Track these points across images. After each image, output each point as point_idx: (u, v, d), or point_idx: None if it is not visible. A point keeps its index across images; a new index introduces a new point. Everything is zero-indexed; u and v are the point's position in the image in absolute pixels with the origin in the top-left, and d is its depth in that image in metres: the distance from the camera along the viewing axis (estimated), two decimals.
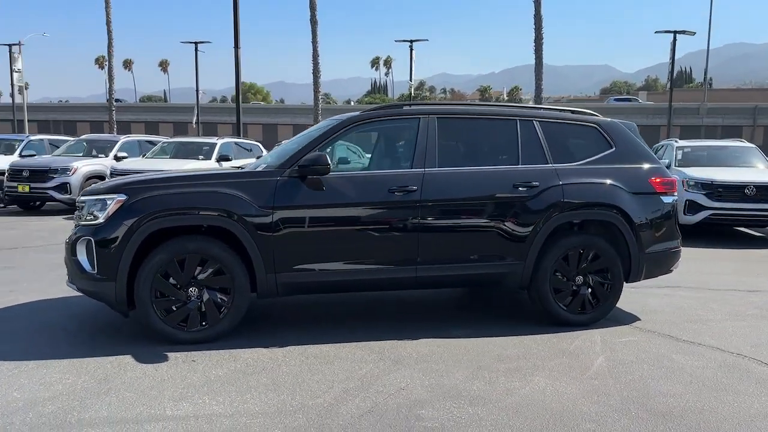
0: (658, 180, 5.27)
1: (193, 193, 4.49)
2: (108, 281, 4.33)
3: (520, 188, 4.91)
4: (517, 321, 5.19)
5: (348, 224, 4.69)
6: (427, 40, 41.19)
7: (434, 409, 3.43)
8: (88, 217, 4.49)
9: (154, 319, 4.37)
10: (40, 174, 13.02)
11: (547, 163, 5.09)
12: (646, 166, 5.32)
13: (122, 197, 4.41)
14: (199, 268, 4.43)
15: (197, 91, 42.61)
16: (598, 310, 5.13)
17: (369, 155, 6.74)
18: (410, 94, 43.12)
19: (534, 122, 5.19)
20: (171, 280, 4.41)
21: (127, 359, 4.09)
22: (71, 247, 4.49)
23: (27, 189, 12.93)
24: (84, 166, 13.40)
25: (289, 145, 5.48)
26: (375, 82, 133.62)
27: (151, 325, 4.39)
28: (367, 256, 4.72)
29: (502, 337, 4.75)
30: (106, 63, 38.31)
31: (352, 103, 74.13)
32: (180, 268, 4.39)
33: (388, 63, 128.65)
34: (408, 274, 4.78)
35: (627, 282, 5.28)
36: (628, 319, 5.31)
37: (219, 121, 50.50)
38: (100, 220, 4.39)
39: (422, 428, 3.21)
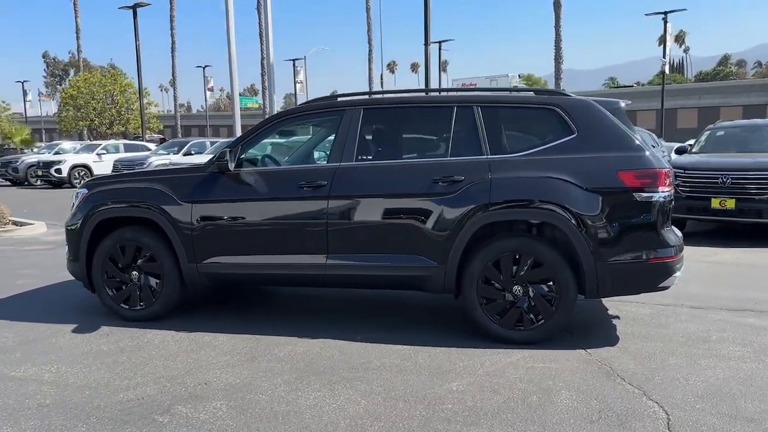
0: (630, 173, 4.17)
1: (129, 189, 5.07)
2: (75, 261, 5.16)
3: (440, 183, 4.37)
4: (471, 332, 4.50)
5: (259, 219, 4.76)
6: None
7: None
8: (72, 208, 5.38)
9: (104, 295, 5.06)
10: (129, 167, 19.09)
11: (482, 155, 4.42)
12: (614, 155, 4.25)
13: (85, 191, 5.20)
14: (141, 255, 4.98)
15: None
16: (538, 329, 4.29)
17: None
18: (662, 72, 38.37)
19: (475, 108, 4.53)
20: (119, 264, 5.04)
21: (59, 327, 4.84)
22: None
23: None
24: (156, 160, 19.61)
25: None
26: (672, 60, 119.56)
27: (102, 301, 5.09)
28: (278, 251, 4.71)
29: (421, 346, 4.28)
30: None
31: (638, 86, 66.85)
32: (122, 253, 5.00)
33: (680, 38, 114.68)
34: (318, 272, 4.65)
35: (586, 297, 4.31)
36: (589, 342, 4.31)
37: None
38: (72, 210, 5.24)
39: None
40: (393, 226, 4.49)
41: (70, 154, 24.03)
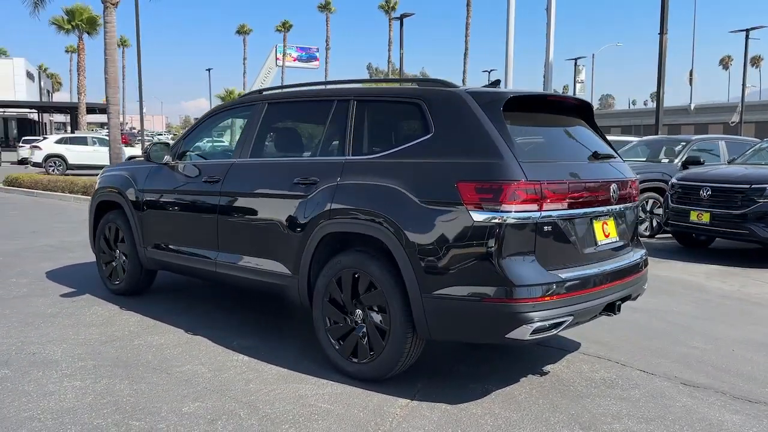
0: (470, 184, 3.21)
1: (111, 175, 5.68)
2: (91, 238, 6.02)
3: (300, 185, 3.95)
4: None
5: (176, 210, 4.96)
6: None
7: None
8: None
9: (101, 271, 5.80)
10: None
11: (343, 155, 3.88)
12: (460, 161, 3.31)
13: (99, 176, 6.03)
14: (117, 237, 5.57)
15: (743, 86, 38.40)
16: (368, 365, 3.61)
17: None
18: None
19: (351, 102, 3.98)
20: (109, 243, 5.71)
21: (51, 292, 5.72)
22: None
23: None
24: None
25: None
26: None
27: (100, 275, 5.84)
28: (188, 243, 4.81)
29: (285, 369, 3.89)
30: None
31: None
32: (109, 234, 5.67)
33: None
34: (210, 268, 4.62)
35: (419, 336, 3.46)
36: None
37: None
38: None
39: None
40: (262, 228, 4.22)
41: None
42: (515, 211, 3.13)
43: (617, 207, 3.76)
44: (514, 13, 15.70)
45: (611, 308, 3.63)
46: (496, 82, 4.17)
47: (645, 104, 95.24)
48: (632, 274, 3.81)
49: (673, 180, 8.64)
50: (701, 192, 7.96)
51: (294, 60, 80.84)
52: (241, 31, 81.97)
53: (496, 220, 3.12)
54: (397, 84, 4.73)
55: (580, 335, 4.55)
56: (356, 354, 3.67)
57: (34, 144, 26.61)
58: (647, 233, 9.67)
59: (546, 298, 3.18)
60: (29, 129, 51.49)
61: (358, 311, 3.66)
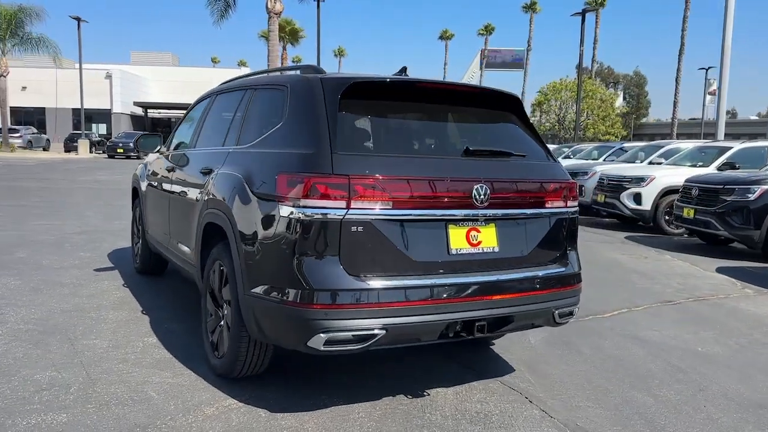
0: (285, 176, 2.95)
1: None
2: None
3: (202, 174, 3.99)
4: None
5: (152, 197, 5.31)
6: None
7: None
8: None
9: (133, 248, 6.42)
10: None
11: (235, 144, 3.83)
12: (287, 151, 3.10)
13: None
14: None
15: None
16: (221, 360, 3.53)
17: None
18: None
19: (248, 92, 3.96)
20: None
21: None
22: None
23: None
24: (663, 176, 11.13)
25: None
26: None
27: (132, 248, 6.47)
28: (159, 229, 5.12)
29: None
30: None
31: None
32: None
33: None
34: (165, 254, 4.86)
35: (252, 337, 3.27)
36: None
37: None
38: None
39: None
40: (184, 215, 4.33)
41: None
42: (315, 207, 2.83)
43: (493, 211, 3.17)
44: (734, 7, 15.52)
45: (470, 329, 3.08)
46: (402, 70, 3.77)
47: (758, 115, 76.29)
48: (516, 292, 3.19)
49: (683, 182, 9.61)
50: (692, 191, 9.10)
51: (498, 63, 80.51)
52: (444, 37, 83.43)
53: (296, 216, 2.85)
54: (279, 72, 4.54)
55: (530, 364, 3.97)
56: (218, 348, 3.61)
57: None
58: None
59: (344, 306, 2.82)
60: None
61: (225, 305, 3.60)
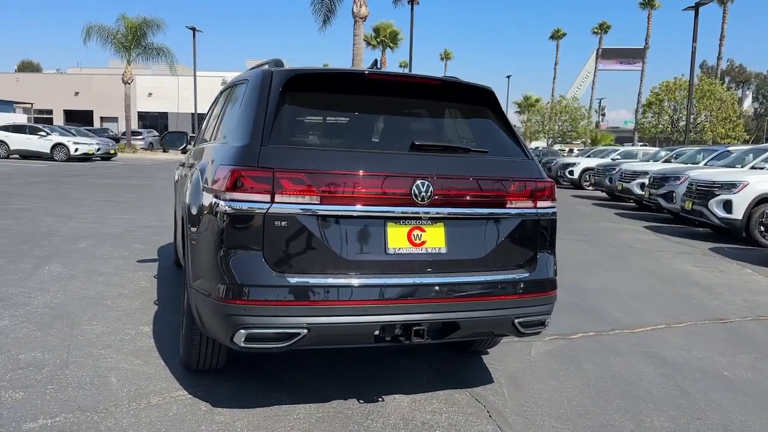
0: (221, 169, 2.94)
1: None
2: None
3: (189, 168, 4.11)
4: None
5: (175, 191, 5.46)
6: None
7: None
8: None
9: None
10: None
11: (214, 139, 3.89)
12: (229, 144, 3.13)
13: None
14: None
15: None
16: (182, 356, 3.57)
17: None
18: None
19: (231, 87, 4.00)
20: None
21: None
22: None
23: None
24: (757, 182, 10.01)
25: None
26: None
27: None
28: None
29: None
30: None
31: None
32: None
33: None
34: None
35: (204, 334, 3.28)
36: None
37: None
38: None
39: None
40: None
41: (582, 158, 25.32)
42: (240, 200, 2.78)
43: (439, 210, 2.96)
44: None
45: (408, 333, 2.90)
46: (374, 63, 3.63)
47: None
48: (464, 297, 2.96)
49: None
50: (693, 186, 10.64)
51: (617, 63, 76.59)
52: (555, 36, 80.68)
53: (223, 209, 2.82)
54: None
55: (515, 377, 3.73)
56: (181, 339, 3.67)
57: None
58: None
59: (265, 303, 2.75)
60: None
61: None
